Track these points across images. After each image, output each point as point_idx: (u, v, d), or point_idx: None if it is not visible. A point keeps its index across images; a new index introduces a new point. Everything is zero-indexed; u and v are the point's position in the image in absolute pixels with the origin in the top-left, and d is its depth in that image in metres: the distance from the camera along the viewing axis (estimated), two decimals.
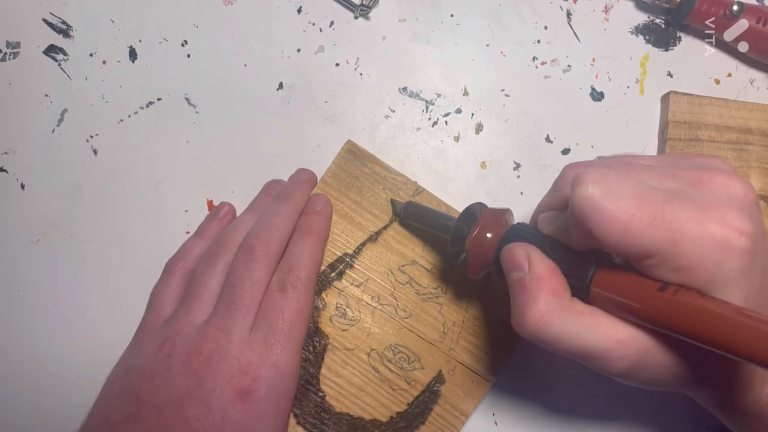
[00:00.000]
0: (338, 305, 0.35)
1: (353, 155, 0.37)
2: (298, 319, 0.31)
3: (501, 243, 0.28)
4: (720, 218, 0.21)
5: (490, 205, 0.39)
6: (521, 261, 0.25)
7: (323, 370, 0.35)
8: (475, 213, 0.30)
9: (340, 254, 0.36)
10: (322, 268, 0.36)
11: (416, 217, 0.35)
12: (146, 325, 0.33)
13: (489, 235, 0.29)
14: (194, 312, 0.32)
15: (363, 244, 0.36)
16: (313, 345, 0.35)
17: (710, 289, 0.21)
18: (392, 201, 0.36)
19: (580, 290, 0.25)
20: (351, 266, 0.36)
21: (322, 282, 0.36)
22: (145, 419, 0.29)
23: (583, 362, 0.25)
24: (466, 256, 0.29)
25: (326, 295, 0.35)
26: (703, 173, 0.23)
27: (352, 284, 0.36)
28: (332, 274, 0.36)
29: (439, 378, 0.35)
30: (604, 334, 0.23)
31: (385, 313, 0.35)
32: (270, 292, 0.32)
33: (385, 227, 0.36)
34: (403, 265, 0.36)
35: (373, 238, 0.36)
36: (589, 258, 0.25)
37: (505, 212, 0.30)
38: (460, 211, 0.33)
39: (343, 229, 0.36)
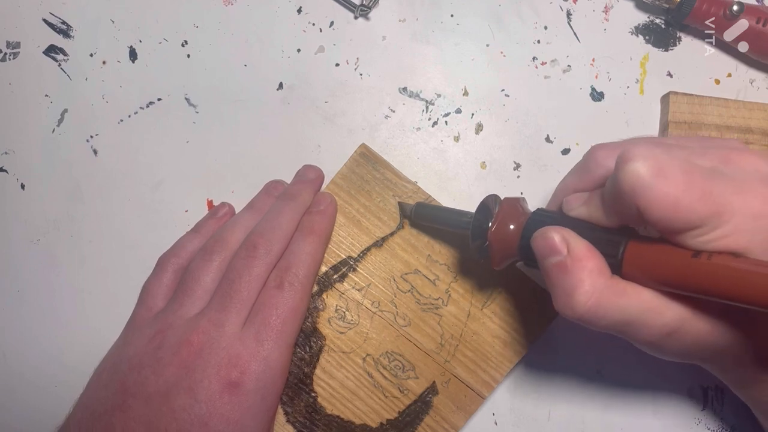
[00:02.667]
0: (338, 307, 0.35)
1: (366, 159, 0.37)
2: (292, 316, 0.32)
3: (525, 231, 0.28)
4: (756, 192, 0.23)
5: None
6: (558, 245, 0.25)
7: (317, 371, 0.35)
8: (490, 205, 0.31)
9: (345, 257, 0.36)
10: (325, 269, 0.36)
11: (428, 217, 0.34)
12: (137, 318, 0.34)
13: (511, 224, 0.29)
14: (186, 306, 0.32)
15: (368, 249, 0.36)
16: (310, 345, 0.35)
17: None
18: (400, 204, 0.36)
19: (612, 267, 0.25)
20: (354, 270, 0.36)
21: (324, 283, 0.36)
22: (131, 409, 0.29)
23: (620, 334, 0.25)
24: (490, 248, 0.29)
25: (327, 296, 0.35)
26: (731, 152, 0.25)
27: (353, 288, 0.36)
28: (334, 276, 0.36)
29: (432, 389, 0.34)
30: (645, 306, 0.24)
31: (384, 320, 0.35)
32: (267, 288, 0.32)
33: (392, 234, 0.36)
34: (406, 273, 0.36)
35: (379, 243, 0.36)
36: (617, 234, 0.25)
37: (522, 200, 0.30)
38: (465, 211, 0.34)
39: (350, 232, 0.36)
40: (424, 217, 0.35)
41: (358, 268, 0.36)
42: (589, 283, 0.24)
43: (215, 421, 0.29)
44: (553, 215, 0.28)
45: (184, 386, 0.29)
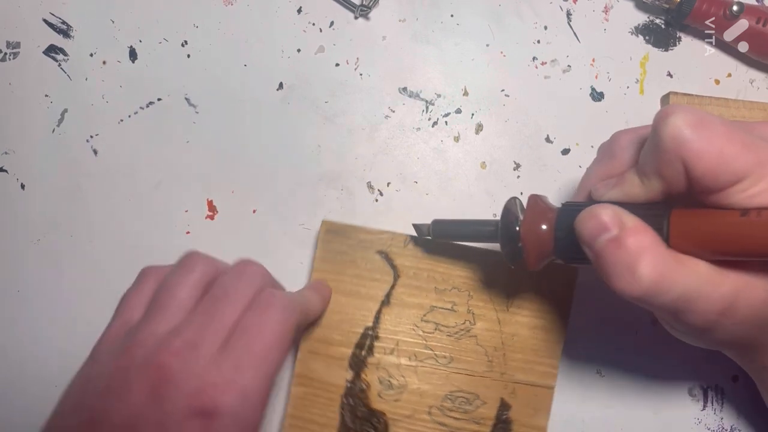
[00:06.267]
0: (381, 379, 0.35)
1: (334, 234, 0.36)
2: (278, 345, 0.28)
3: (558, 224, 0.28)
4: None
5: (491, 205, 0.39)
6: (608, 222, 0.24)
7: None
8: (511, 208, 0.30)
9: (362, 330, 0.35)
10: (350, 351, 0.35)
11: (448, 233, 0.33)
12: (110, 331, 0.30)
13: (542, 221, 0.28)
14: (158, 322, 0.28)
15: (379, 312, 0.35)
16: (374, 427, 0.34)
17: None
18: (415, 225, 0.35)
19: None
20: (377, 337, 0.35)
21: (357, 364, 0.35)
22: None
23: (677, 312, 0.24)
24: (524, 250, 0.29)
25: (365, 375, 0.35)
26: (755, 124, 0.25)
27: (384, 354, 0.35)
28: (362, 353, 0.35)
29: (503, 406, 0.34)
30: (703, 278, 0.23)
31: (427, 368, 0.35)
32: (252, 310, 0.28)
33: (392, 287, 0.35)
34: (424, 315, 0.35)
35: (386, 302, 0.35)
36: (658, 208, 0.25)
37: (543, 198, 0.30)
38: (485, 220, 0.33)
39: (355, 306, 0.35)
40: (443, 234, 0.33)
41: (379, 334, 0.35)
42: (651, 255, 0.23)
43: None
44: (584, 205, 0.27)
45: (153, 419, 0.25)
